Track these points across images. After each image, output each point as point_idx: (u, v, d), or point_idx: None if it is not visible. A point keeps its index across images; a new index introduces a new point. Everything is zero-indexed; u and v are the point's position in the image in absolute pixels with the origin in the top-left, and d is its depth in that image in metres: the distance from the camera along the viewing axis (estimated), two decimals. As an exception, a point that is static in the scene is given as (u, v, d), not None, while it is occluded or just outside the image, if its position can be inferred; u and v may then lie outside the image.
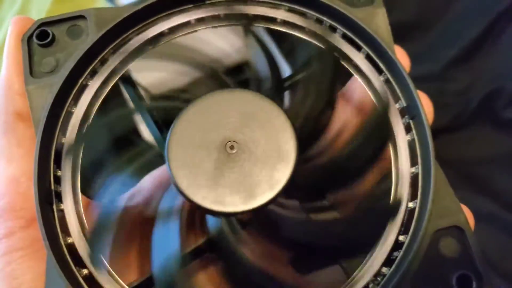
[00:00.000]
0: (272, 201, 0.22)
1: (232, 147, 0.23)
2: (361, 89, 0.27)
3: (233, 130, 0.24)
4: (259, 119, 0.24)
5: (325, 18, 0.27)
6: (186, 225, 0.24)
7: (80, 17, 0.27)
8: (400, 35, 0.87)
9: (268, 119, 0.24)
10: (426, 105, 0.27)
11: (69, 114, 0.26)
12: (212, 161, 0.23)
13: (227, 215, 0.23)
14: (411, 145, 0.25)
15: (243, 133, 0.24)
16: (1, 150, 0.25)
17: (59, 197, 0.24)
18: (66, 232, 0.24)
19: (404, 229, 0.24)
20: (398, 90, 0.26)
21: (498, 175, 0.66)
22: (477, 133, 0.69)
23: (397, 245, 0.24)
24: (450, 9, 0.76)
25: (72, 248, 0.23)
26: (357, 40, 0.27)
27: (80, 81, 0.26)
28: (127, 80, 0.29)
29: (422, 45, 0.76)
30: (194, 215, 0.25)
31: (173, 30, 0.28)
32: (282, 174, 0.23)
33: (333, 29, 0.27)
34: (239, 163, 0.23)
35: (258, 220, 0.24)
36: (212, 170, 0.23)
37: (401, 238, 0.24)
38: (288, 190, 0.23)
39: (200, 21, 0.28)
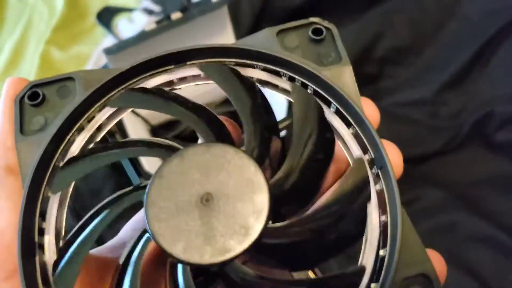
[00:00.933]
0: (240, 255, 0.23)
1: (207, 200, 0.24)
2: (343, 154, 0.29)
3: (209, 184, 0.25)
4: (236, 173, 0.25)
5: (297, 76, 0.29)
6: (148, 278, 0.24)
7: (69, 78, 0.29)
8: (392, 60, 0.91)
9: (244, 174, 0.25)
10: (395, 156, 0.28)
11: (57, 168, 0.27)
12: (188, 215, 0.24)
13: (196, 266, 0.23)
14: (380, 195, 0.26)
15: (219, 187, 0.25)
16: None
17: (42, 249, 0.25)
18: (48, 284, 0.25)
19: (376, 277, 0.25)
20: (366, 142, 0.27)
21: (492, 196, 0.68)
22: (470, 156, 0.72)
23: (370, 293, 0.25)
24: (440, 35, 0.81)
25: (52, 300, 0.24)
26: (326, 96, 0.28)
27: (68, 137, 0.28)
28: (113, 134, 0.31)
29: (415, 69, 0.81)
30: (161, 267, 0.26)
31: (157, 88, 0.30)
32: (253, 230, 0.24)
33: (305, 86, 0.29)
34: (213, 216, 0.24)
35: (224, 278, 0.25)
36: (189, 224, 0.24)
37: (372, 286, 0.25)
38: (260, 251, 0.24)
39: (182, 80, 0.30)
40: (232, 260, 0.23)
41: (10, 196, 0.27)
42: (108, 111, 0.29)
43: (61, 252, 0.25)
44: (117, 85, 0.29)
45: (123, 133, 0.28)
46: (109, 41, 0.81)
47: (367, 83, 0.82)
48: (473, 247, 0.63)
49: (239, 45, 0.29)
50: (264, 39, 0.30)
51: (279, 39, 0.30)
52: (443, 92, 0.77)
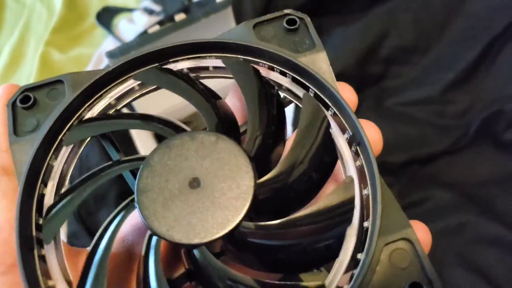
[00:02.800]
0: (222, 237, 0.25)
1: (196, 184, 0.26)
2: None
3: (198, 169, 0.26)
4: (225, 161, 0.27)
5: (275, 66, 0.31)
6: (166, 258, 0.26)
7: (58, 81, 0.30)
8: (397, 60, 0.83)
9: (234, 162, 0.27)
10: (374, 132, 0.30)
11: (50, 167, 0.29)
12: (179, 198, 0.26)
13: (181, 245, 0.25)
14: (361, 170, 0.28)
15: (207, 172, 0.26)
16: None
17: (40, 243, 0.26)
18: (47, 275, 0.26)
19: (361, 247, 0.26)
20: (344, 122, 0.29)
21: (501, 196, 0.67)
22: (478, 156, 0.71)
23: (356, 263, 0.26)
24: (445, 33, 0.79)
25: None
26: (304, 81, 0.30)
27: (60, 137, 0.29)
28: (104, 134, 0.32)
29: (420, 68, 0.80)
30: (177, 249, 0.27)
31: (142, 85, 0.32)
32: (234, 216, 0.25)
33: (284, 74, 0.31)
34: (200, 199, 0.26)
35: (229, 249, 0.26)
36: (181, 206, 0.25)
37: (359, 256, 0.26)
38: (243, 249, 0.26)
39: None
40: (210, 242, 0.25)
41: (5, 195, 0.28)
42: (96, 110, 0.31)
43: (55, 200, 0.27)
44: (104, 85, 0.31)
45: (128, 135, 0.30)
46: (109, 42, 0.80)
47: (372, 83, 0.80)
48: (483, 248, 0.63)
49: (217, 39, 0.31)
50: (241, 33, 0.32)
51: (256, 31, 0.32)
52: (450, 91, 0.76)
